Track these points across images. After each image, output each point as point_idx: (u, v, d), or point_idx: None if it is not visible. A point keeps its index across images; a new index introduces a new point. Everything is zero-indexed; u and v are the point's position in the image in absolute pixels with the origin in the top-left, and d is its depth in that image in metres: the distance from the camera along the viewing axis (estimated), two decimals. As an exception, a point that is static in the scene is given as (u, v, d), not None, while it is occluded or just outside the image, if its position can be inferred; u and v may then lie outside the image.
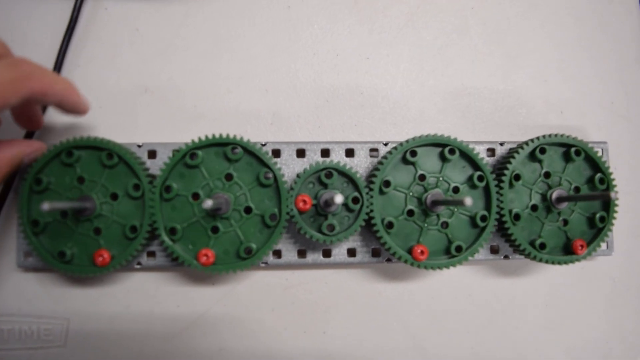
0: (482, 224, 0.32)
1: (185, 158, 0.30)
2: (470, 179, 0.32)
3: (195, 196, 0.31)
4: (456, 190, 0.32)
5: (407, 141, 0.32)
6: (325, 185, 0.31)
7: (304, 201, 0.30)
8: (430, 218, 0.32)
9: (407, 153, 0.32)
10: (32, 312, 0.34)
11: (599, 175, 0.33)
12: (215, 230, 0.31)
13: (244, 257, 0.30)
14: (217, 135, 0.30)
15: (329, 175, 0.31)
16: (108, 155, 0.31)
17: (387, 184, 0.31)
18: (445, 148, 0.32)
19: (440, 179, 0.32)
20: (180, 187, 0.31)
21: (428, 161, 0.32)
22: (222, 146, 0.31)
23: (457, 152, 0.32)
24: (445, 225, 0.32)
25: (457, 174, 0.32)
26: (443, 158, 0.32)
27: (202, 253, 0.30)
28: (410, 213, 0.32)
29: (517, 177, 0.33)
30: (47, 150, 0.30)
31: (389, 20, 0.38)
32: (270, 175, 0.31)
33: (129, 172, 0.31)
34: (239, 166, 0.31)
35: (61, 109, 0.30)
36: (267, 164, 0.30)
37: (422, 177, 0.32)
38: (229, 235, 0.31)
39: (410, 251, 0.31)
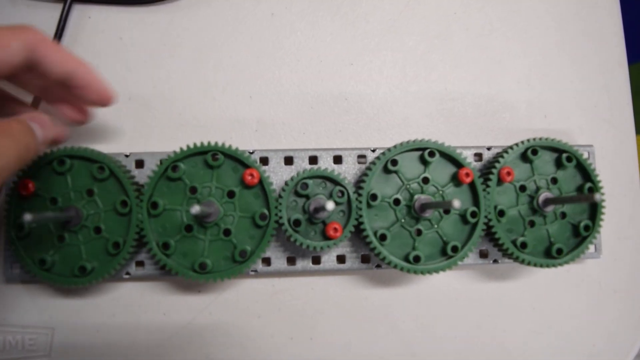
0: (473, 220, 0.32)
1: (168, 171, 0.30)
2: (454, 177, 0.32)
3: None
4: (443, 191, 0.32)
5: (383, 153, 0.32)
6: (306, 197, 0.31)
7: (335, 229, 0.30)
8: (422, 222, 0.32)
9: (388, 163, 0.32)
10: (17, 322, 0.34)
11: (588, 185, 0.34)
12: (189, 230, 0.30)
13: (240, 261, 0.30)
14: (197, 144, 0.30)
15: (305, 187, 0.31)
16: (99, 168, 0.30)
17: (374, 197, 0.31)
18: (425, 151, 0.32)
19: (425, 183, 0.32)
20: (167, 202, 0.31)
21: (409, 167, 0.32)
22: (202, 154, 0.31)
23: (437, 154, 0.32)
24: (437, 227, 0.32)
25: (441, 174, 0.32)
26: (424, 162, 0.32)
27: (247, 173, 0.30)
28: (401, 221, 0.32)
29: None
30: (40, 157, 0.30)
31: (371, 27, 0.38)
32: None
33: (118, 187, 0.31)
34: (222, 172, 0.31)
35: (76, 91, 0.29)
36: (249, 164, 0.31)
37: (408, 184, 0.32)
38: (221, 242, 0.31)
39: (405, 258, 0.31)
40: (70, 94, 0.30)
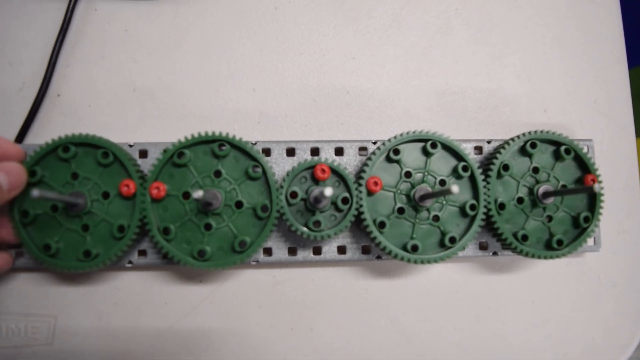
0: (472, 213, 0.32)
1: (173, 158, 0.31)
2: (455, 170, 0.33)
3: (186, 195, 0.31)
4: (443, 183, 0.33)
5: (389, 140, 0.32)
6: (316, 182, 0.32)
7: (376, 182, 0.31)
8: (421, 213, 0.32)
9: (391, 152, 0.32)
10: (19, 310, 0.34)
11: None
12: (208, 227, 0.31)
13: (239, 251, 0.31)
14: (203, 134, 0.31)
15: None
16: (104, 154, 0.31)
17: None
18: (427, 143, 0.32)
19: (426, 173, 0.33)
20: (171, 187, 0.31)
21: (412, 158, 0.33)
22: (209, 143, 0.31)
23: (439, 146, 0.32)
24: (436, 218, 0.32)
25: (442, 166, 0.33)
26: (426, 153, 0.33)
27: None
28: (401, 211, 0.32)
29: (506, 167, 0.33)
30: (45, 144, 0.31)
31: (374, 21, 0.38)
32: (259, 168, 0.31)
33: (122, 172, 0.31)
34: (227, 162, 0.31)
35: None
36: (255, 157, 0.31)
37: (408, 174, 0.32)
38: (222, 231, 0.31)
39: (404, 247, 0.32)
40: None
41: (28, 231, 0.31)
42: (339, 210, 0.32)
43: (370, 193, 0.32)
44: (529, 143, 0.33)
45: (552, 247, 0.33)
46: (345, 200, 0.31)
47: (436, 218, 0.32)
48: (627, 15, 0.42)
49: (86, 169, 0.31)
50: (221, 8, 0.38)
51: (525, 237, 0.33)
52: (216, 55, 0.37)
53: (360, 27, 0.38)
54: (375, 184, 0.31)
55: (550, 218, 0.34)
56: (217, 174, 0.31)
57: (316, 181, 0.32)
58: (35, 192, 0.25)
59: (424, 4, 0.39)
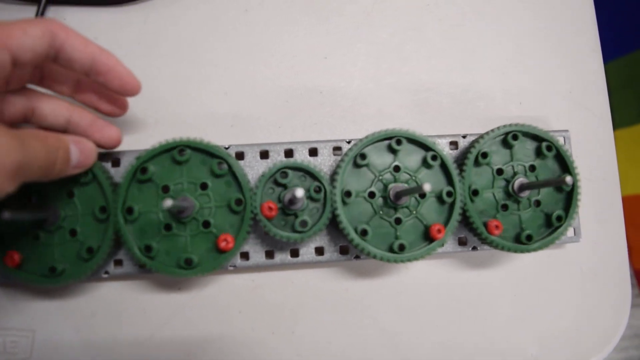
0: (449, 200, 0.32)
1: (174, 151, 0.30)
2: (424, 161, 0.32)
3: (165, 189, 0.30)
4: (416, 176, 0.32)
5: (350, 149, 0.32)
6: (284, 186, 0.31)
7: (270, 208, 0.30)
8: (388, 209, 0.32)
9: (357, 158, 0.32)
10: (-3, 325, 0.34)
11: (544, 143, 0.33)
12: (168, 227, 0.30)
13: (182, 267, 0.30)
14: (162, 142, 0.30)
15: (285, 175, 0.31)
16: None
17: (348, 194, 0.31)
18: (429, 153, 0.32)
19: (413, 179, 0.32)
20: (141, 205, 0.30)
21: (409, 158, 0.32)
22: (169, 151, 0.31)
23: (404, 141, 0.32)
24: (398, 221, 0.32)
25: (412, 160, 0.33)
26: (425, 162, 0.32)
27: (221, 238, 0.30)
28: (371, 195, 0.32)
29: (475, 192, 0.33)
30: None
31: (344, 20, 0.38)
32: (224, 165, 0.31)
33: (99, 192, 0.30)
34: (218, 182, 0.31)
35: (101, 78, 0.29)
36: (217, 154, 0.31)
37: (397, 169, 0.32)
38: (178, 239, 0.31)
39: (390, 249, 0.31)
40: (99, 85, 0.30)
41: (24, 269, 0.30)
42: (315, 200, 0.31)
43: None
44: (510, 135, 0.33)
45: (521, 241, 0.33)
46: (317, 189, 0.31)
47: (398, 221, 0.32)
48: (601, 6, 0.42)
49: (62, 184, 0.30)
50: (191, 12, 0.37)
51: (529, 237, 0.32)
52: (187, 60, 0.37)
53: (331, 26, 0.38)
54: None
55: (538, 202, 0.33)
56: (204, 186, 0.31)
57: (284, 185, 0.31)
58: (6, 214, 0.24)
59: (395, 1, 0.39)
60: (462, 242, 0.35)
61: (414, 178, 0.32)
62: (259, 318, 0.35)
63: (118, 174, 0.33)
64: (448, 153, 0.34)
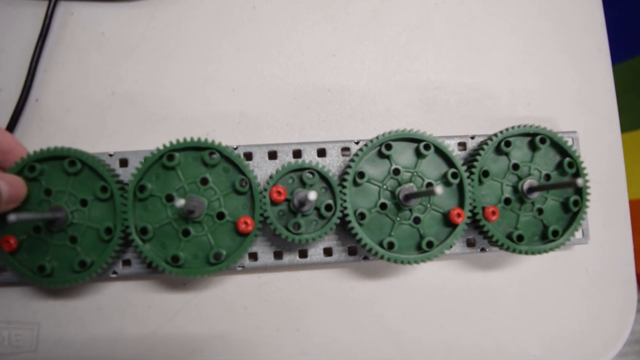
0: (456, 181, 0.32)
1: (163, 159, 0.30)
2: (444, 175, 0.32)
3: (169, 198, 0.30)
4: (430, 186, 0.32)
5: (383, 134, 0.32)
6: (304, 185, 0.31)
7: (279, 192, 0.30)
8: (403, 212, 0.32)
9: (383, 146, 0.32)
10: (2, 318, 0.34)
11: (567, 159, 0.34)
12: (186, 233, 0.30)
13: (213, 263, 0.30)
14: (195, 139, 0.30)
15: (312, 175, 0.31)
16: (70, 162, 0.30)
17: (361, 175, 0.31)
18: (421, 144, 0.32)
19: (415, 174, 0.32)
20: (155, 188, 0.30)
21: (403, 156, 0.32)
22: (200, 150, 0.31)
23: (432, 148, 0.32)
24: (417, 220, 0.32)
25: (432, 170, 0.32)
26: (418, 154, 0.32)
27: (241, 221, 0.30)
28: (383, 206, 0.32)
29: (486, 174, 0.33)
30: (9, 168, 0.30)
31: (353, 18, 0.38)
32: (246, 183, 0.31)
33: (94, 176, 0.31)
34: (215, 171, 0.31)
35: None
36: (244, 171, 0.31)
37: (397, 171, 0.32)
38: (199, 240, 0.31)
39: (418, 247, 0.31)
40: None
41: (16, 257, 0.30)
42: (322, 217, 0.31)
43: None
44: (502, 143, 0.33)
45: (549, 238, 0.33)
46: (328, 208, 0.31)
47: (417, 220, 0.32)
48: (610, 8, 0.42)
49: (57, 182, 0.30)
50: (198, 9, 0.37)
51: (520, 238, 0.32)
52: (194, 57, 0.37)
53: (339, 24, 0.38)
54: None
55: (540, 210, 0.33)
56: (204, 181, 0.31)
57: (303, 183, 0.31)
58: (12, 217, 0.24)
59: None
60: (470, 244, 0.35)
61: (416, 174, 0.32)
62: (265, 315, 0.35)
63: (126, 173, 0.33)
64: (457, 154, 0.34)
